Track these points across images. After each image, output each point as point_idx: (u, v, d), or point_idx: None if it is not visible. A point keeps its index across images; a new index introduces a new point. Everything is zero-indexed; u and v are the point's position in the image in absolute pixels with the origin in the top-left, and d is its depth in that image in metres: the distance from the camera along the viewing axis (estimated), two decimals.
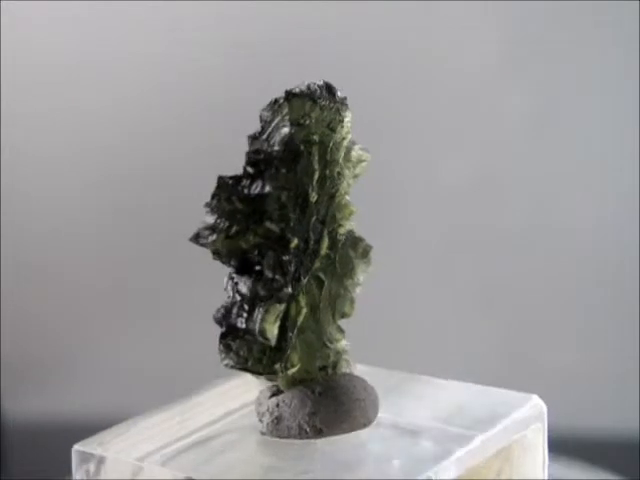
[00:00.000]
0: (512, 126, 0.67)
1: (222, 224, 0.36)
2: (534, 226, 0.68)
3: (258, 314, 0.36)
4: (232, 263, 0.36)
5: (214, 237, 0.36)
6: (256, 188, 0.35)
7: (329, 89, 0.37)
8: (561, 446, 0.56)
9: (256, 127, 0.39)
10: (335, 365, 0.38)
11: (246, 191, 0.35)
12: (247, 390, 0.41)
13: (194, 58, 0.70)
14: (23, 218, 0.72)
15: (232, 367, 0.36)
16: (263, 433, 0.37)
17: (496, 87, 0.67)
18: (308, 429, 0.37)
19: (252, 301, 0.36)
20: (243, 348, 0.36)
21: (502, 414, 0.38)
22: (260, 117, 0.37)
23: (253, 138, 0.37)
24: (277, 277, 0.36)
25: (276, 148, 0.36)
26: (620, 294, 0.67)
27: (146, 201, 0.71)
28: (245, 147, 0.38)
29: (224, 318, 0.36)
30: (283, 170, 0.36)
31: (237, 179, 0.36)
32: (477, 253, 0.68)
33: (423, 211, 0.68)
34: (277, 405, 0.37)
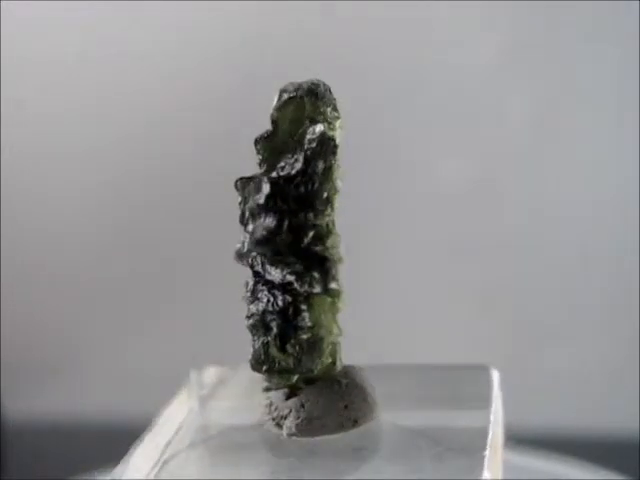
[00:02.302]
0: (513, 127, 0.67)
1: (286, 224, 0.36)
2: (535, 226, 0.68)
3: (320, 310, 0.36)
4: (295, 262, 0.36)
5: (283, 237, 0.36)
6: (312, 185, 0.36)
7: (325, 86, 0.37)
8: (562, 446, 0.56)
9: (255, 126, 0.39)
10: (340, 359, 0.38)
11: (302, 189, 0.36)
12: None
13: (196, 59, 0.70)
14: (23, 218, 0.72)
15: (277, 371, 0.36)
16: (291, 435, 0.37)
17: (497, 88, 0.67)
18: (344, 422, 0.37)
19: (307, 299, 0.36)
20: (295, 348, 0.36)
21: (487, 389, 0.40)
22: (271, 117, 0.37)
23: (265, 138, 0.37)
24: (334, 272, 0.36)
25: (313, 145, 0.36)
26: (620, 294, 0.67)
27: (148, 200, 0.71)
28: (246, 145, 0.38)
29: (281, 320, 0.36)
30: (323, 166, 0.36)
31: (288, 178, 0.36)
32: (477, 253, 0.68)
33: (422, 212, 0.68)
34: (302, 405, 0.37)
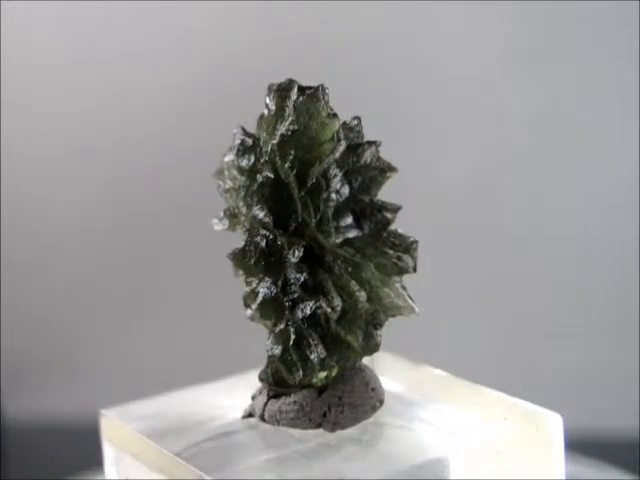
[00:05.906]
0: (513, 126, 0.67)
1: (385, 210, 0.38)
2: (535, 226, 0.68)
3: (396, 291, 0.37)
4: (390, 249, 0.37)
5: (390, 223, 0.38)
6: (383, 173, 0.39)
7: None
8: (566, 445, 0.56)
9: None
10: None
11: (379, 178, 0.38)
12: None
13: (196, 60, 0.70)
14: (23, 216, 0.72)
15: (353, 362, 0.37)
16: (336, 429, 0.37)
17: (497, 87, 0.67)
18: (375, 404, 0.38)
19: (384, 284, 0.37)
20: (379, 331, 0.37)
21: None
22: (286, 117, 0.37)
23: (292, 138, 0.36)
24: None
25: (358, 136, 0.37)
26: (621, 294, 0.67)
27: (147, 199, 0.71)
28: None
29: (374, 308, 0.37)
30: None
31: (364, 168, 0.37)
32: (477, 253, 0.68)
33: (423, 211, 0.68)
34: (340, 398, 0.37)
